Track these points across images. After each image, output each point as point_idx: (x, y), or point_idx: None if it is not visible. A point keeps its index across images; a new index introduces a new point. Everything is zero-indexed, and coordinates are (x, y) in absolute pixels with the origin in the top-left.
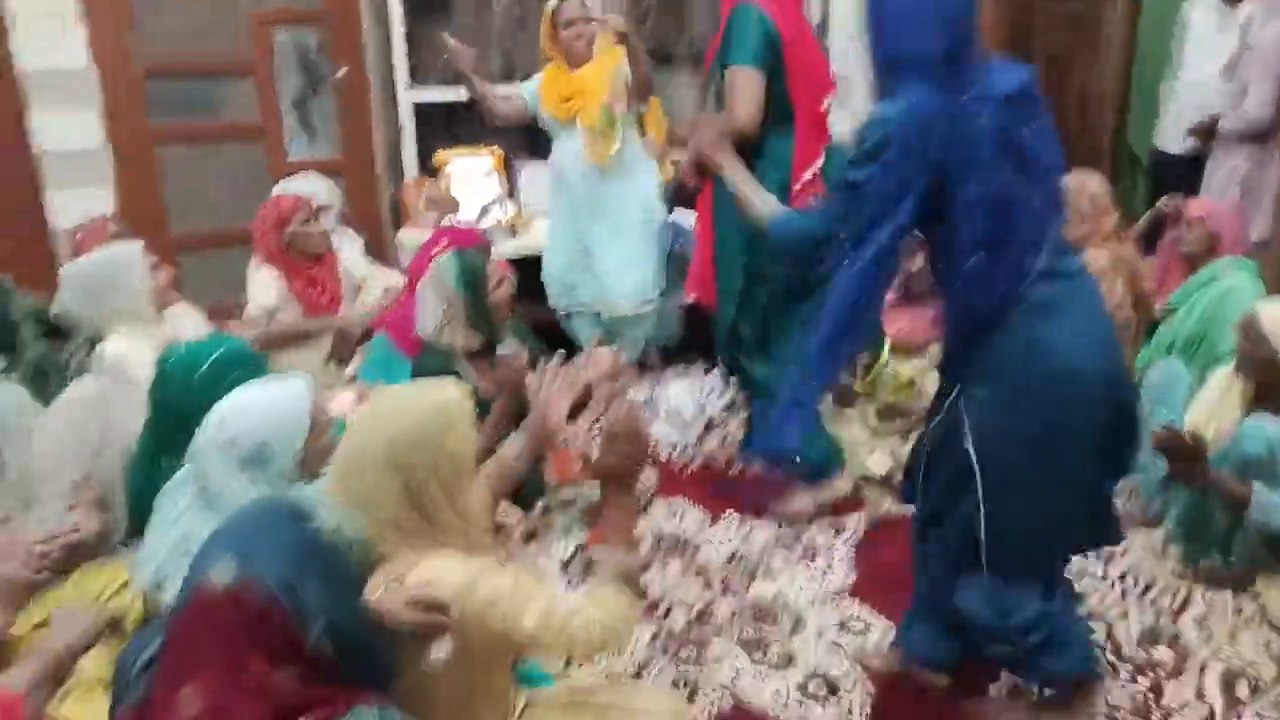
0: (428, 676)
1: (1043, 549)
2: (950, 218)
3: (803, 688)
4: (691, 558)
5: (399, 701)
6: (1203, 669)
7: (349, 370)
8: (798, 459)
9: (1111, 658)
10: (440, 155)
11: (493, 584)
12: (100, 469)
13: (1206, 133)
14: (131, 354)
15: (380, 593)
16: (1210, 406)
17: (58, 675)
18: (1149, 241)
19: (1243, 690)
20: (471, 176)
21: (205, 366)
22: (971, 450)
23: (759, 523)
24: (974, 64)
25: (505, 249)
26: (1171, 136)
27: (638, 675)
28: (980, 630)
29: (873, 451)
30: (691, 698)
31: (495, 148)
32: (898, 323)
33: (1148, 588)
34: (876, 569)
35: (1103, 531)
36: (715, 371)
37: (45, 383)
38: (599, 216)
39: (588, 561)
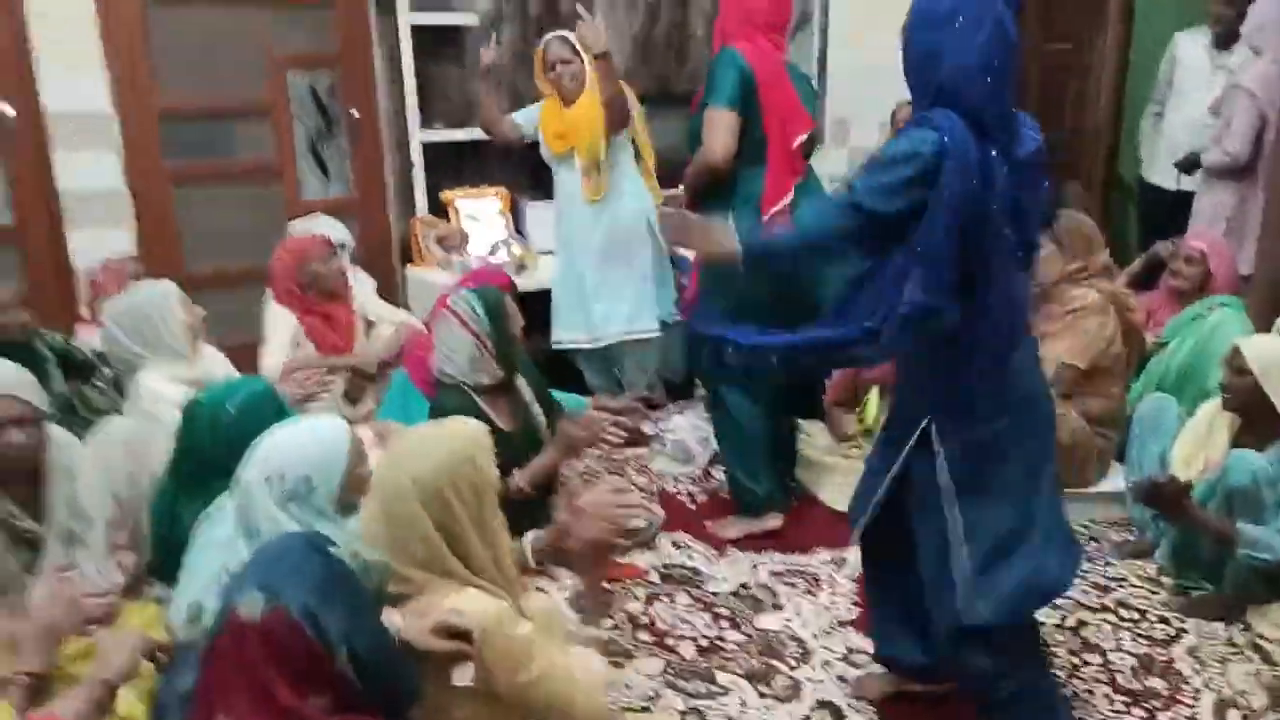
0: (447, 702)
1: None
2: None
3: (808, 719)
4: (699, 590)
5: None
6: (1195, 698)
7: (363, 408)
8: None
9: (1106, 688)
10: (447, 194)
11: (509, 631)
12: (129, 507)
13: (1190, 167)
14: (164, 389)
15: (408, 620)
16: (1198, 439)
17: (103, 704)
18: (1145, 280)
19: (1234, 719)
20: (479, 216)
21: (235, 405)
22: (948, 476)
23: (764, 556)
24: (1006, 116)
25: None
26: (1161, 171)
27: (646, 708)
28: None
29: None
30: None
31: (501, 188)
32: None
33: (1141, 618)
34: None
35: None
36: None
37: (71, 420)
38: (598, 245)
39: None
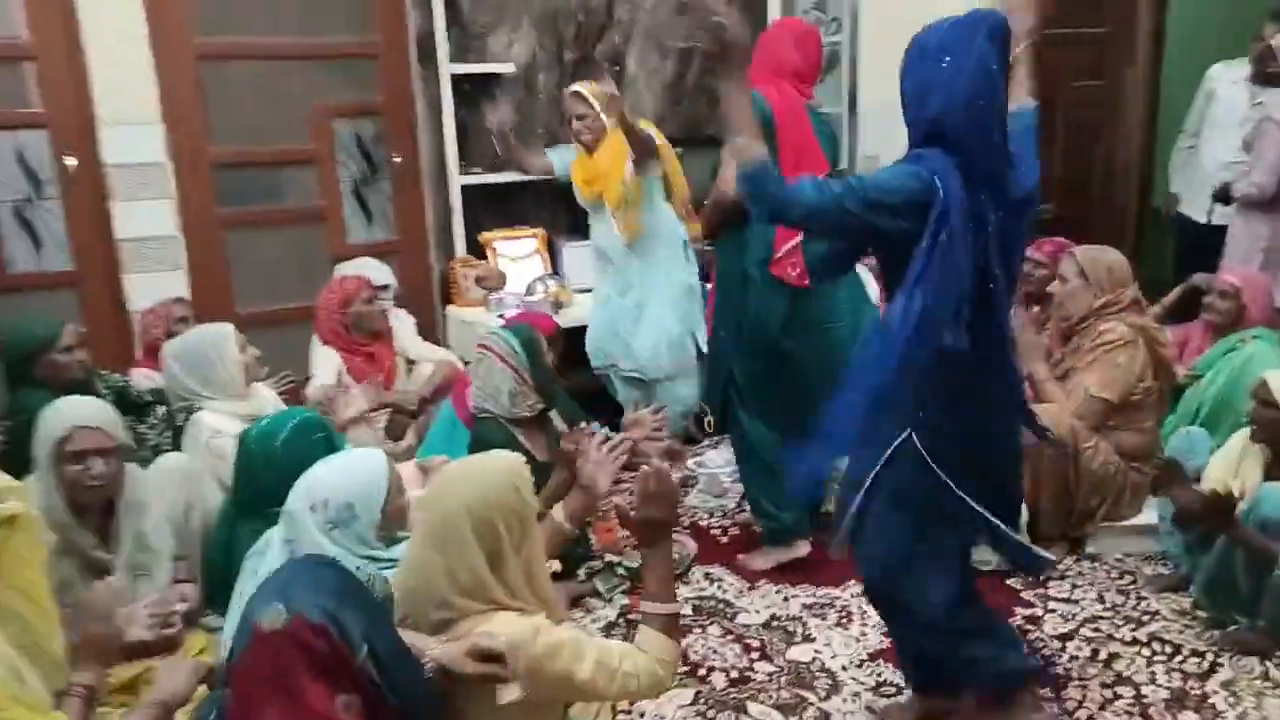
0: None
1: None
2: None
3: None
4: (730, 622)
5: None
6: None
7: (404, 444)
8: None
9: None
10: (486, 236)
11: (549, 638)
12: (184, 539)
13: (1224, 198)
14: (220, 425)
15: (446, 646)
16: (1230, 468)
17: None
18: (1180, 312)
19: None
20: (516, 256)
21: (284, 433)
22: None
23: (796, 589)
24: (996, 156)
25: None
26: (1192, 204)
27: None
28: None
29: None
30: None
31: (538, 229)
32: None
33: (1175, 652)
34: None
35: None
36: None
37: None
38: (634, 283)
39: (630, 623)
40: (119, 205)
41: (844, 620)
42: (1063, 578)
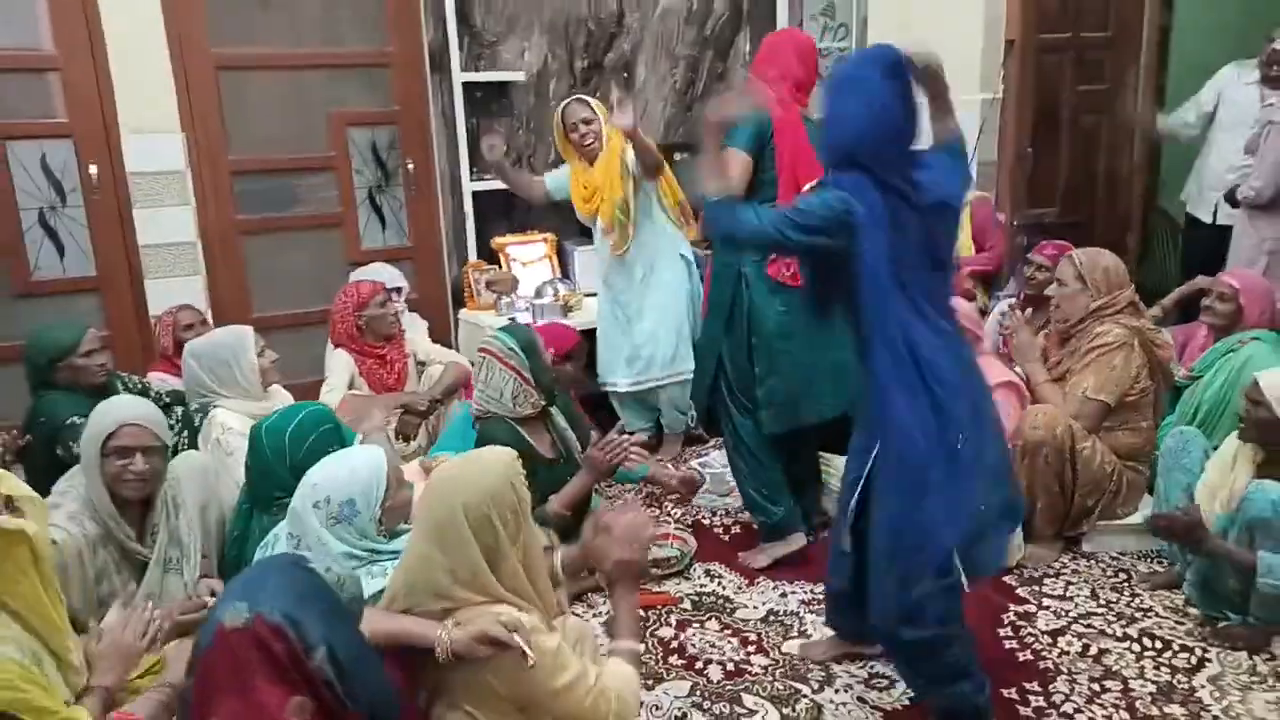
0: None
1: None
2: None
3: None
4: (729, 617)
5: None
6: None
7: (414, 445)
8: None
9: (1124, 714)
10: (498, 240)
11: (538, 641)
12: (203, 534)
13: (1230, 201)
14: (235, 424)
15: (454, 632)
16: (1224, 471)
17: (170, 706)
18: (1183, 312)
19: None
20: (527, 260)
21: (293, 427)
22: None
23: (793, 585)
24: (905, 169)
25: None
26: (1202, 205)
27: None
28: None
29: None
30: None
31: (549, 234)
32: None
33: (1165, 647)
34: None
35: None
36: None
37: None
38: (635, 293)
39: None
40: (140, 212)
41: None
42: (1058, 575)
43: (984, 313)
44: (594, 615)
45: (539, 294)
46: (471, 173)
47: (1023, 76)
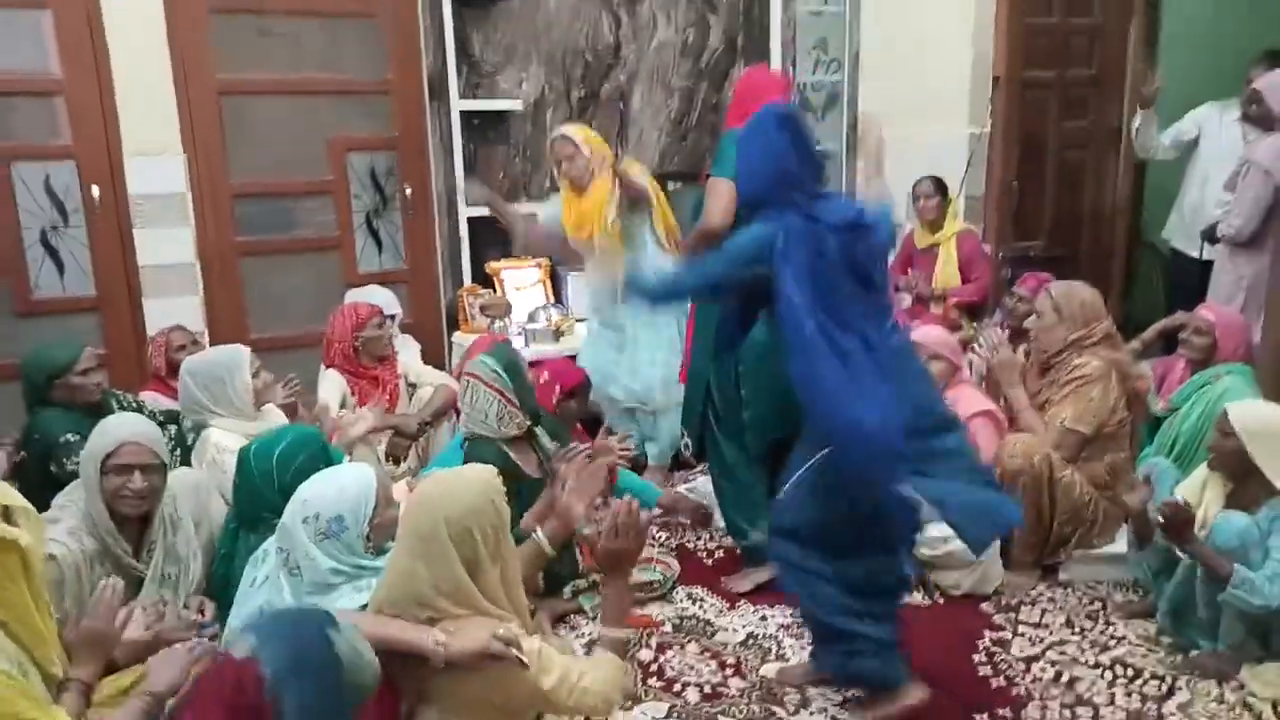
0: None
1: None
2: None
3: None
4: (709, 640)
5: None
6: None
7: (403, 466)
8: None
9: None
10: (492, 265)
11: (524, 645)
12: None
13: (1210, 237)
14: (227, 442)
15: (444, 641)
16: (1194, 497)
17: (150, 713)
18: (1165, 344)
19: None
20: (521, 285)
21: (280, 449)
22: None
23: (773, 610)
24: (816, 201)
25: (549, 349)
26: (1185, 239)
27: None
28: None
29: None
30: None
31: (542, 259)
32: None
33: (1137, 675)
34: None
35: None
36: None
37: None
38: (624, 317)
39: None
40: (141, 233)
41: None
42: (1034, 603)
43: (966, 345)
44: (576, 636)
45: (532, 318)
46: (468, 198)
47: (1009, 112)
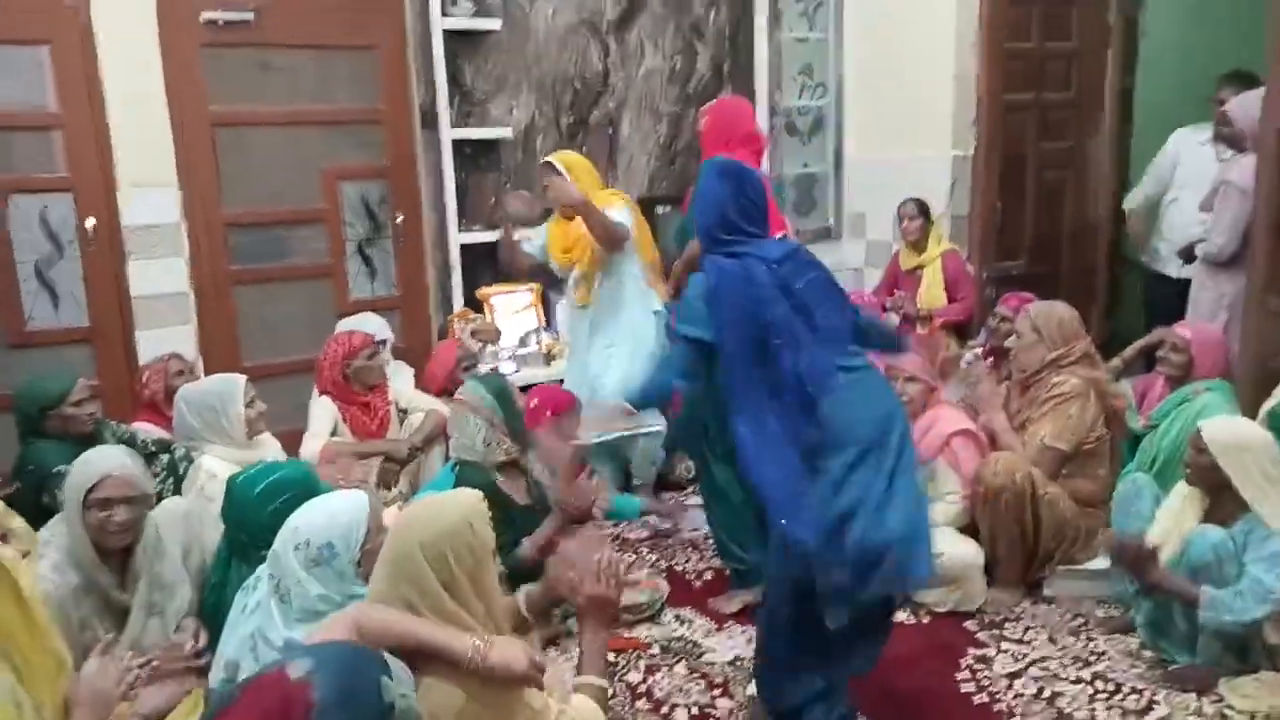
0: None
1: None
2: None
3: None
4: (697, 660)
5: None
6: None
7: (394, 492)
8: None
9: None
10: (483, 290)
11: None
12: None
13: (1186, 256)
14: (219, 470)
15: (480, 644)
16: (1173, 517)
17: None
18: (1146, 362)
19: None
20: (512, 309)
21: (264, 485)
22: None
23: None
24: (755, 240)
25: (540, 374)
26: (1165, 261)
27: None
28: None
29: None
30: None
31: (533, 284)
32: None
33: (1117, 690)
34: None
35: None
36: None
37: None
38: (602, 344)
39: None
40: (134, 264)
41: None
42: (1018, 619)
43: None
44: (566, 660)
45: (523, 343)
46: (460, 225)
47: (991, 134)
